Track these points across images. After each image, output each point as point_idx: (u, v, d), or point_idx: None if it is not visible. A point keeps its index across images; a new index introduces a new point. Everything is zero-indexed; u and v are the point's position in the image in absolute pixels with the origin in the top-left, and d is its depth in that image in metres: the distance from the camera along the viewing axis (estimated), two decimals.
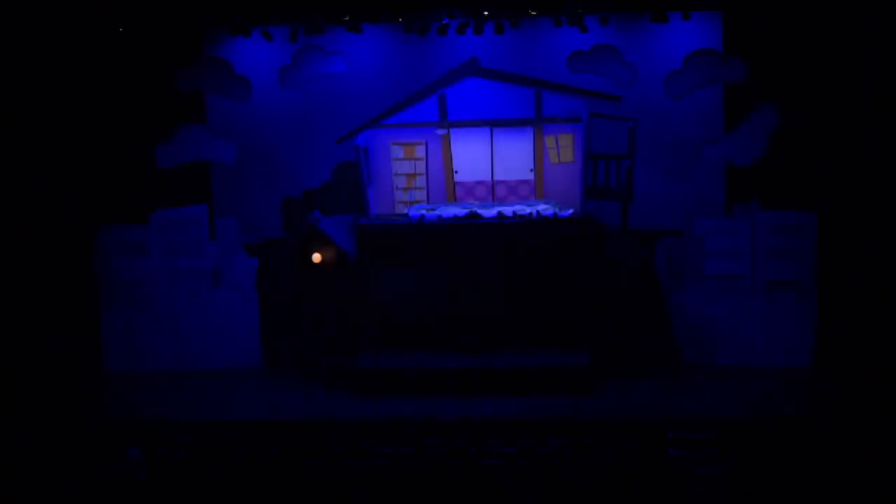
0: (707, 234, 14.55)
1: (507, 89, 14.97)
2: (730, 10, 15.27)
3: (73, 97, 15.47)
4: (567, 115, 14.81)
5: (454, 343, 14.00)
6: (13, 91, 14.50)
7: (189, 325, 15.23)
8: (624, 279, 14.70)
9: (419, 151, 15.37)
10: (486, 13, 15.19)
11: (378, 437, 11.81)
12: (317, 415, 12.74)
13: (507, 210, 14.21)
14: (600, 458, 10.67)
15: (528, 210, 14.17)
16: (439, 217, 14.29)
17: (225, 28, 15.74)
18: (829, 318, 14.10)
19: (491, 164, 15.28)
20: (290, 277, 14.99)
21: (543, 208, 14.17)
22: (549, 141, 15.10)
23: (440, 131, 15.25)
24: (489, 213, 14.23)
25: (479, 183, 15.36)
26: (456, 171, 15.37)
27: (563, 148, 15.02)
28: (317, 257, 14.56)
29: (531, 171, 15.20)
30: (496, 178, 15.31)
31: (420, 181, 15.44)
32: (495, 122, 15.15)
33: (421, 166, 15.41)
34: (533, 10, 15.26)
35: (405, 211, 14.84)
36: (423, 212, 14.40)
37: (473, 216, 14.24)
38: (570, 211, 14.27)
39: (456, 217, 14.25)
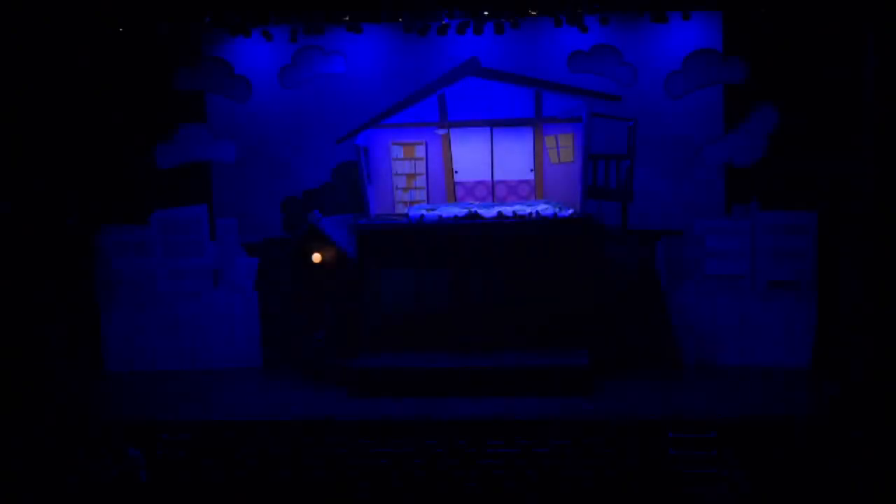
0: (707, 234, 14.56)
1: (506, 89, 15.00)
2: (730, 10, 15.26)
3: (74, 97, 15.46)
4: (567, 115, 14.83)
5: (454, 343, 14.01)
6: (13, 91, 14.48)
7: (189, 325, 15.27)
8: (624, 279, 14.72)
9: (419, 151, 15.39)
10: (486, 13, 15.17)
11: (378, 436, 11.82)
12: (316, 415, 12.72)
13: (507, 210, 14.21)
14: (600, 458, 10.68)
15: (527, 210, 14.18)
16: (439, 217, 14.29)
17: (225, 28, 15.73)
18: (829, 318, 14.10)
19: (491, 164, 15.29)
20: (290, 277, 15.01)
21: (543, 208, 14.18)
22: (549, 141, 15.11)
23: (440, 131, 15.27)
24: (489, 213, 14.23)
25: (479, 183, 15.36)
26: (456, 171, 15.38)
27: (563, 148, 15.04)
28: (317, 257, 14.58)
29: (531, 170, 15.22)
30: (496, 177, 15.32)
31: (420, 181, 15.46)
32: (495, 122, 15.17)
33: (421, 166, 15.43)
34: (533, 10, 15.24)
35: (405, 211, 14.85)
36: (423, 212, 14.40)
37: (473, 216, 14.25)
38: (570, 211, 14.27)
39: (456, 217, 14.26)
